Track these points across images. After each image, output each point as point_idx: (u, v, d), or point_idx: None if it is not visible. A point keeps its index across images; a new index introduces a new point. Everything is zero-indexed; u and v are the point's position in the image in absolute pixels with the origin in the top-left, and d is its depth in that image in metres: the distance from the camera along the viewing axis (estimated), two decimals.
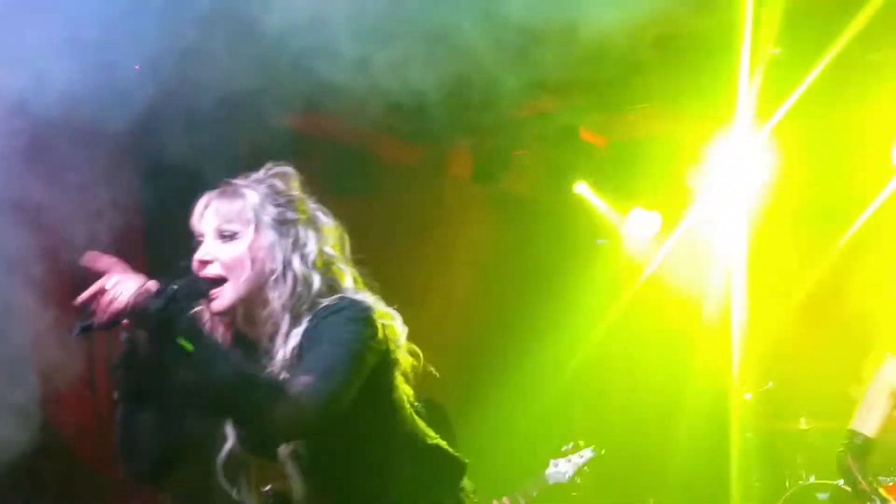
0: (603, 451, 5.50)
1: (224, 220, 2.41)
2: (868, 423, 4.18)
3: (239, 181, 2.50)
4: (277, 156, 2.78)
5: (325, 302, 2.40)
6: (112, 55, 3.89)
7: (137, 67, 4.72)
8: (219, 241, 2.41)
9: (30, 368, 4.55)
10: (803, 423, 6.51)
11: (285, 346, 2.38)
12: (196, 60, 4.04)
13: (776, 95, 6.04)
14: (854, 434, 4.19)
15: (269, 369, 2.37)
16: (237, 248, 2.40)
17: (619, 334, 8.38)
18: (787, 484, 6.48)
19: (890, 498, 4.12)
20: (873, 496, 4.11)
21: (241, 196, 2.44)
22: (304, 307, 2.40)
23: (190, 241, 2.46)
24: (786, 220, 7.20)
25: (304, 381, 2.22)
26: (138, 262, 2.31)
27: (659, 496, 7.46)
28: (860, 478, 4.13)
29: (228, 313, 2.44)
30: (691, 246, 8.04)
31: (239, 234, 2.41)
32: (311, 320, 2.38)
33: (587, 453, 5.34)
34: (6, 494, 4.22)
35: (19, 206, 4.00)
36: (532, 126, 7.05)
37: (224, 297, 2.39)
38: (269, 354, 2.41)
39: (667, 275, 8.02)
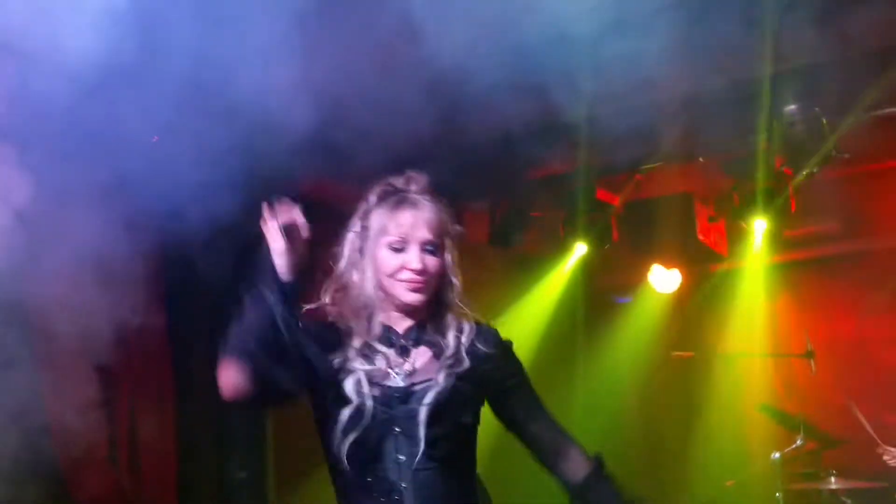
0: None
1: (433, 236, 2.66)
2: None
3: (431, 198, 2.71)
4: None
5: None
6: None
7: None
8: (426, 254, 2.65)
9: (50, 438, 4.55)
10: (833, 483, 6.41)
11: (457, 343, 2.67)
12: None
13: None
14: None
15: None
16: (439, 261, 2.68)
17: (642, 395, 8.36)
18: None
19: None
20: None
21: (440, 213, 2.69)
22: None
23: None
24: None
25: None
26: None
27: None
28: None
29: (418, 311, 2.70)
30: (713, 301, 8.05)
31: (439, 248, 2.67)
32: (486, 338, 2.70)
33: None
34: None
35: None
36: (548, 187, 7.07)
37: (427, 292, 2.67)
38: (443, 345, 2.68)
39: (691, 332, 8.01)
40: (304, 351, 2.65)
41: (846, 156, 5.70)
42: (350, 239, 2.69)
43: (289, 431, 5.65)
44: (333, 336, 2.70)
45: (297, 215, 2.56)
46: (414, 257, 2.63)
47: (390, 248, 2.64)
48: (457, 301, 2.71)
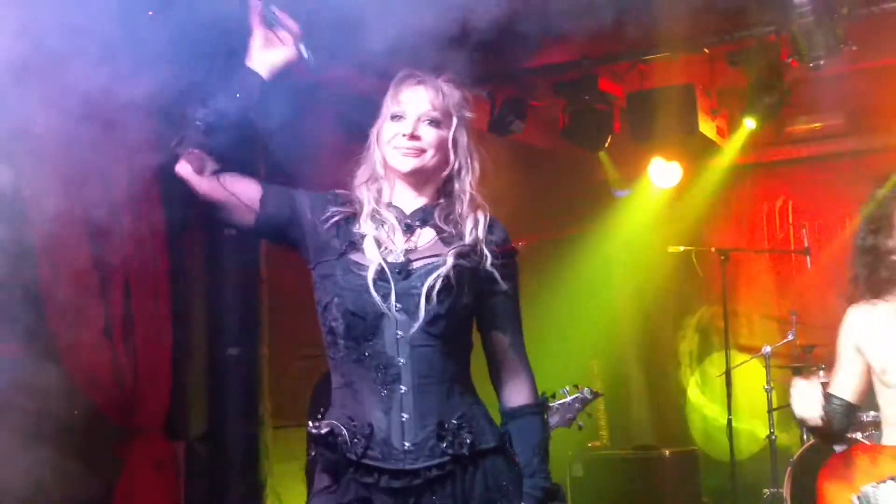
0: (602, 394, 5.35)
1: (432, 109, 2.71)
2: (843, 385, 3.59)
3: (437, 78, 2.76)
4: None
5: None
6: None
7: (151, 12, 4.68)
8: (424, 125, 2.70)
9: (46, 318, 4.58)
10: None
11: (473, 232, 2.71)
12: None
13: None
14: (830, 398, 3.57)
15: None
16: (441, 134, 2.71)
17: (638, 288, 8.40)
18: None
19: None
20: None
21: (446, 92, 2.74)
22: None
23: None
24: None
25: None
26: None
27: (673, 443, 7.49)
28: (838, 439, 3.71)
29: (415, 176, 2.73)
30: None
31: (443, 123, 2.71)
32: (494, 230, 2.75)
33: (586, 394, 5.07)
34: (31, 439, 4.28)
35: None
36: (549, 76, 6.99)
37: (420, 160, 2.70)
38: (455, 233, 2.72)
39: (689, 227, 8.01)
40: (301, 218, 2.71)
41: (854, 48, 5.60)
42: (374, 125, 2.79)
43: (283, 309, 5.69)
44: (332, 200, 2.75)
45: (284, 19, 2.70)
46: (409, 125, 2.70)
47: (391, 119, 2.73)
48: (471, 187, 2.74)
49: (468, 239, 2.70)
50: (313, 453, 2.67)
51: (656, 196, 8.14)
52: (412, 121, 2.70)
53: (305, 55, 2.74)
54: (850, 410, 3.56)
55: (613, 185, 8.31)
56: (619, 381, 8.38)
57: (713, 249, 7.17)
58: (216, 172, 2.65)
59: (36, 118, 3.73)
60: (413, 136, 2.69)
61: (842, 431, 3.60)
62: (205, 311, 5.56)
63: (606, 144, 7.22)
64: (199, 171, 2.63)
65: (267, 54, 2.71)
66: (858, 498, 3.42)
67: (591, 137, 7.20)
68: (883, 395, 3.50)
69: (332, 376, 2.73)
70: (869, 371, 3.53)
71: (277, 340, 5.76)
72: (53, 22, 3.72)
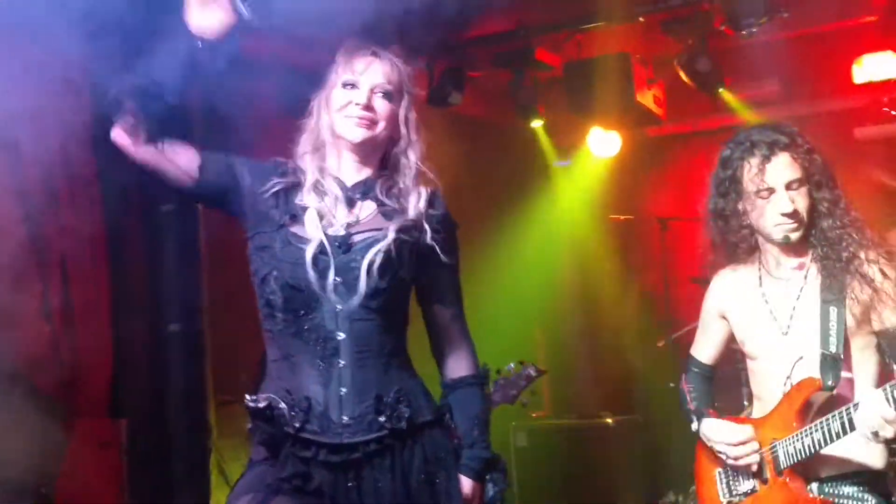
0: (546, 371, 5.32)
1: (386, 82, 2.73)
2: (704, 349, 3.56)
3: (388, 52, 2.79)
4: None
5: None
6: None
7: None
8: (378, 96, 2.72)
9: None
10: None
11: (416, 207, 2.73)
12: None
13: None
14: (690, 360, 3.60)
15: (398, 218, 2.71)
16: (393, 108, 2.74)
17: (579, 257, 8.46)
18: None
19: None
20: (695, 414, 3.44)
21: (399, 67, 2.77)
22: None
23: None
24: None
25: None
26: None
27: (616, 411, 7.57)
28: (689, 398, 3.50)
29: (363, 147, 2.74)
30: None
31: (395, 97, 2.73)
32: (435, 205, 2.77)
33: (531, 372, 5.06)
34: None
35: None
36: (486, 46, 6.99)
37: (371, 132, 2.71)
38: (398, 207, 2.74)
39: (629, 195, 8.07)
40: (241, 185, 2.71)
41: (786, 15, 5.67)
42: (318, 91, 2.79)
43: (225, 283, 5.65)
44: (273, 170, 2.76)
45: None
46: (363, 95, 2.70)
47: (342, 86, 2.73)
48: (417, 162, 2.77)
49: (412, 213, 2.72)
50: (250, 426, 2.67)
51: (596, 165, 8.20)
52: (366, 91, 2.71)
53: (245, 13, 2.68)
54: (712, 372, 3.56)
55: (552, 156, 8.36)
56: (562, 351, 8.46)
57: (654, 218, 7.23)
58: (152, 139, 2.62)
59: None
60: (367, 107, 2.70)
61: (706, 394, 3.50)
62: (145, 287, 5.50)
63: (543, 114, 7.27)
64: (135, 137, 2.61)
65: (203, 15, 2.64)
66: (718, 473, 3.38)
67: (528, 107, 7.24)
68: (749, 367, 3.42)
69: (267, 349, 2.73)
70: (730, 338, 3.48)
71: (220, 315, 5.72)
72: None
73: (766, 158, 3.15)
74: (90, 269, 5.12)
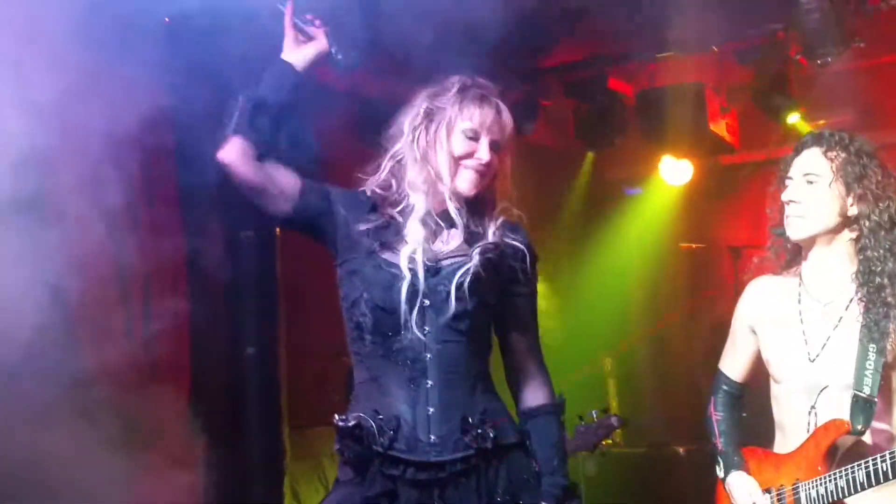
0: (628, 422, 5.25)
1: (501, 135, 2.79)
2: (733, 363, 3.34)
3: (496, 95, 2.84)
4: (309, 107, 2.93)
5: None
6: None
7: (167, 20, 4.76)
8: (492, 149, 2.76)
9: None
10: None
11: (495, 232, 2.80)
12: None
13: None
14: (719, 375, 3.37)
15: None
16: (503, 159, 2.81)
17: (651, 286, 8.43)
18: None
19: (748, 461, 3.25)
20: (724, 458, 3.27)
21: (507, 118, 2.83)
22: None
23: None
24: None
25: None
26: None
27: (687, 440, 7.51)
28: (717, 431, 3.31)
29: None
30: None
31: (502, 148, 2.80)
32: (518, 234, 2.86)
33: (613, 422, 5.00)
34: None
35: None
36: (559, 75, 7.03)
37: (483, 182, 2.79)
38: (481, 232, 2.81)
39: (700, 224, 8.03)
40: (335, 213, 2.79)
41: (861, 44, 5.63)
42: (417, 117, 2.80)
43: (301, 309, 5.74)
44: (365, 203, 2.82)
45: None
46: (485, 149, 2.75)
47: (464, 135, 2.75)
48: (504, 199, 2.84)
49: (491, 238, 2.77)
50: (338, 446, 2.72)
51: (668, 193, 8.18)
52: (486, 143, 2.76)
53: (339, 61, 2.87)
54: (742, 391, 3.34)
55: (625, 184, 8.37)
56: (632, 379, 8.41)
57: (726, 247, 7.19)
58: (258, 159, 2.73)
59: (54, 121, 3.80)
60: (487, 163, 2.76)
61: (734, 426, 3.30)
62: (223, 310, 5.62)
63: (616, 143, 7.28)
64: (243, 155, 2.71)
65: (299, 49, 2.83)
66: None
67: (601, 136, 7.26)
68: (772, 391, 3.21)
69: (355, 371, 2.80)
70: (759, 353, 3.25)
71: (294, 340, 5.82)
72: (66, 29, 3.80)
73: (798, 151, 3.12)
74: (170, 292, 5.24)
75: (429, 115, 2.79)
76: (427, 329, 2.69)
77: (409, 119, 2.82)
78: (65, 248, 4.39)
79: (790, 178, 3.08)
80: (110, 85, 4.17)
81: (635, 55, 6.80)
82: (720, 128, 7.02)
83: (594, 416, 4.98)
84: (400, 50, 4.85)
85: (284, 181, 2.76)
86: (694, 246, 7.55)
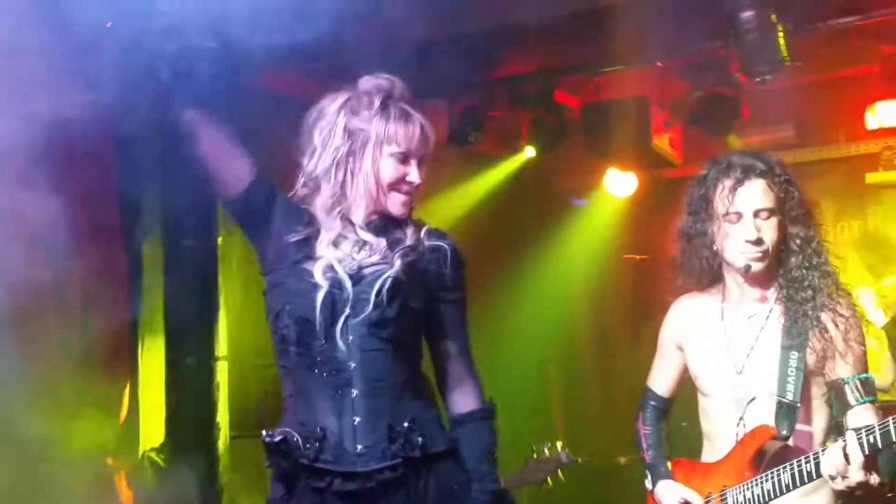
0: (580, 460, 5.20)
1: (427, 151, 2.84)
2: (660, 380, 3.45)
3: (419, 113, 2.83)
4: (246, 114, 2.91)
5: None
6: None
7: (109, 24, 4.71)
8: (421, 168, 2.80)
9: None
10: None
11: (413, 236, 2.81)
12: None
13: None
14: (646, 392, 3.48)
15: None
16: (424, 172, 2.82)
17: (594, 296, 8.49)
18: None
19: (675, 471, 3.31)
20: (651, 470, 3.34)
21: (430, 135, 2.86)
22: None
23: None
24: None
25: None
26: None
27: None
28: (645, 445, 3.39)
29: None
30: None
31: (426, 163, 2.84)
32: (440, 239, 2.85)
33: (563, 458, 4.99)
34: None
35: None
36: (507, 87, 7.08)
37: (409, 209, 2.83)
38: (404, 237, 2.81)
39: (644, 236, 8.10)
40: (273, 217, 2.79)
41: (800, 63, 5.73)
42: (334, 135, 2.75)
43: (243, 317, 5.71)
44: (300, 216, 2.80)
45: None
46: (415, 171, 2.76)
47: (394, 159, 2.75)
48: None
49: (410, 241, 2.77)
50: (268, 463, 2.71)
51: (613, 205, 8.25)
52: (415, 165, 2.78)
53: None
54: (668, 405, 3.43)
55: (572, 195, 8.43)
56: (576, 389, 8.46)
57: (669, 259, 7.24)
58: (216, 136, 2.76)
59: None
60: (414, 184, 2.78)
61: (662, 440, 3.38)
62: (163, 320, 5.58)
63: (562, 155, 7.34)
64: (204, 124, 2.74)
65: None
66: None
67: (547, 148, 7.31)
68: (700, 403, 3.28)
69: (283, 384, 2.79)
70: (687, 369, 3.32)
71: (235, 350, 5.79)
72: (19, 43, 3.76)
73: (740, 182, 3.04)
74: (109, 302, 5.20)
75: (350, 136, 2.75)
76: (350, 338, 2.67)
77: (322, 134, 2.77)
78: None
79: (739, 213, 3.05)
80: (46, 89, 4.14)
81: (582, 69, 6.86)
82: (663, 142, 7.10)
83: (545, 450, 4.96)
84: (341, 57, 4.86)
85: (238, 164, 2.75)
86: (637, 258, 7.62)
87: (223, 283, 5.68)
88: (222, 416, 5.62)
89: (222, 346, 5.68)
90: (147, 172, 4.78)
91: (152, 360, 5.58)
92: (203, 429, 5.55)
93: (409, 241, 2.77)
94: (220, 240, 5.52)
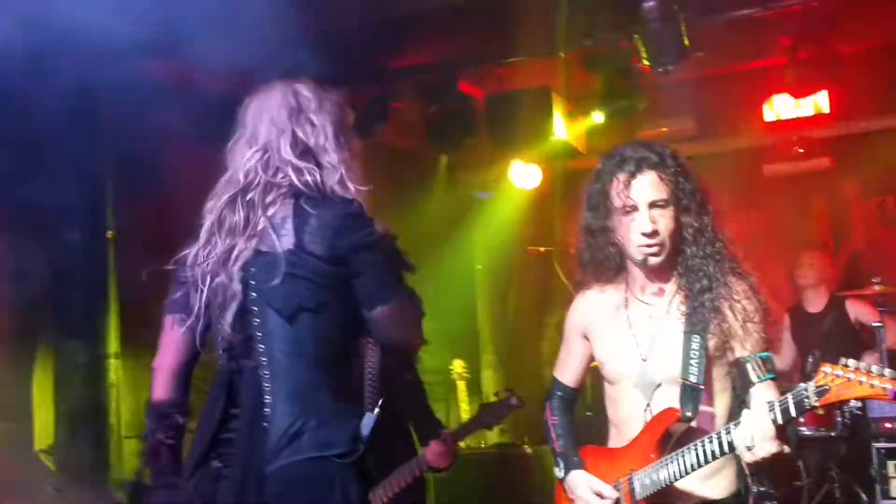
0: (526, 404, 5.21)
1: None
2: (566, 370, 3.45)
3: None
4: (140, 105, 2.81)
5: None
6: None
7: None
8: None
9: None
10: None
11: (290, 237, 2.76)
12: None
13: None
14: (554, 383, 3.47)
15: None
16: None
17: (498, 288, 8.50)
18: None
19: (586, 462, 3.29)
20: (563, 459, 3.32)
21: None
22: None
23: None
24: None
25: None
26: None
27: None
28: (555, 435, 3.38)
29: None
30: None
31: None
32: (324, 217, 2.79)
33: (513, 401, 5.05)
34: None
35: None
36: (410, 77, 7.02)
37: None
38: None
39: (549, 228, 8.14)
40: (193, 300, 2.78)
41: (700, 54, 5.79)
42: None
43: (141, 316, 5.57)
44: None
45: None
46: None
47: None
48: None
49: (286, 243, 2.71)
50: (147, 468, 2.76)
51: (517, 197, 8.26)
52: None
53: None
54: (575, 395, 3.44)
55: (476, 187, 8.42)
56: (480, 380, 8.47)
57: (571, 250, 7.27)
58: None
59: None
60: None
61: (570, 430, 3.38)
62: (52, 318, 5.41)
63: (466, 146, 7.29)
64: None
65: None
66: None
67: (451, 139, 7.26)
68: (606, 392, 3.29)
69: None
70: (592, 359, 3.35)
71: (133, 348, 5.65)
72: None
73: (633, 175, 3.06)
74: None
75: None
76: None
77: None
78: None
79: (634, 205, 3.06)
80: None
81: (484, 59, 6.84)
82: (567, 133, 7.12)
83: (497, 395, 5.10)
84: (243, 50, 4.75)
85: (183, 346, 2.81)
86: (542, 249, 7.64)
87: (117, 281, 5.52)
88: (114, 416, 5.47)
89: (114, 343, 5.52)
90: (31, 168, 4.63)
91: (45, 358, 5.41)
92: (94, 429, 5.39)
93: (286, 245, 2.74)
94: (110, 233, 5.35)
